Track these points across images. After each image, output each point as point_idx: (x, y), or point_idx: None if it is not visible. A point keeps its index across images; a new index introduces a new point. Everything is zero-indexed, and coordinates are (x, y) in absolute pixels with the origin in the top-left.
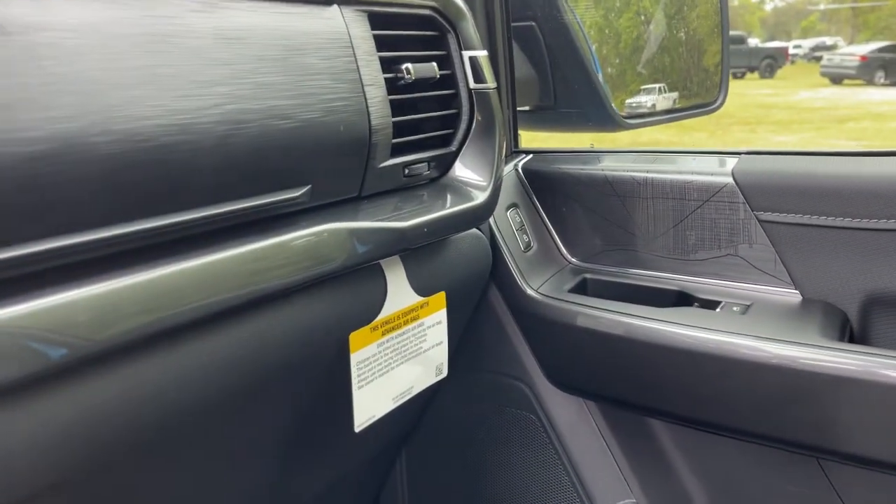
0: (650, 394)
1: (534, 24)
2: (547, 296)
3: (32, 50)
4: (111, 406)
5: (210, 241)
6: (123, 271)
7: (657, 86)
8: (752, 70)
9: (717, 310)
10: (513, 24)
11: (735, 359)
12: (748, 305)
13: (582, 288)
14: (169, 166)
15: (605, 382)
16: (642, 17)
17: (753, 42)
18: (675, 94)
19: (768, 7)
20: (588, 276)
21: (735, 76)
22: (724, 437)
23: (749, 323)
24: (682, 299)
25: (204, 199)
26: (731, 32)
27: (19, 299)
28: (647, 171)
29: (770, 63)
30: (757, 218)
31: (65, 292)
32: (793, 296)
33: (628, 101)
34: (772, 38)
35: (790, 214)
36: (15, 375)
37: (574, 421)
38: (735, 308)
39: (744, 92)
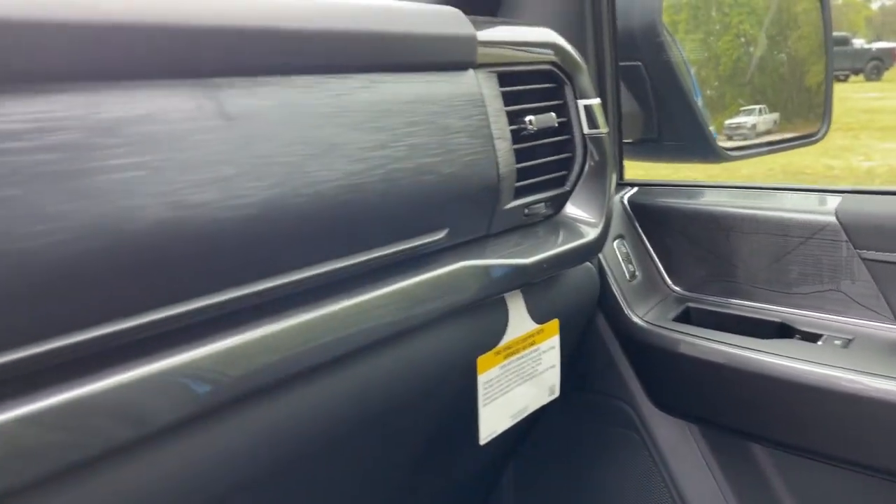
0: (752, 420)
1: (640, 63)
2: (652, 323)
3: (248, 131)
4: (276, 428)
5: (366, 280)
6: (306, 306)
7: (757, 107)
8: (856, 72)
9: (819, 343)
10: (620, 64)
11: (836, 391)
12: (850, 339)
13: (686, 317)
14: (345, 219)
15: (708, 407)
16: (742, 39)
17: (858, 43)
18: (775, 115)
19: (875, 5)
20: (691, 305)
21: (838, 78)
22: (826, 464)
23: (851, 356)
24: (783, 331)
25: (367, 244)
26: (835, 33)
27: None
28: (750, 208)
29: (877, 65)
30: (860, 256)
31: (250, 331)
32: (895, 332)
33: (728, 122)
34: (878, 39)
35: (894, 253)
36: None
37: (676, 442)
38: (837, 342)
39: (847, 96)
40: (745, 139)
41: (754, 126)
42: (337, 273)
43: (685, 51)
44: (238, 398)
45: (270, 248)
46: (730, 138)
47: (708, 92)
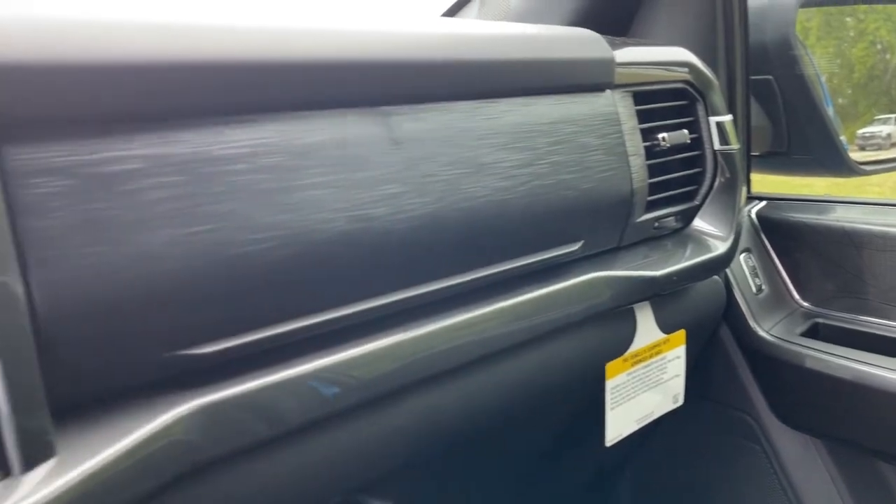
0: (881, 437)
1: (771, 77)
2: (778, 337)
3: (413, 153)
4: (417, 424)
5: (507, 287)
6: (453, 311)
7: (893, 116)
8: None
9: None
10: (751, 78)
11: None
12: None
13: (814, 332)
14: (493, 232)
15: (835, 423)
16: (878, 46)
17: None
18: None
19: None
20: (819, 320)
21: None
22: None
23: None
24: None
25: (510, 254)
26: None
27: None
28: (883, 225)
29: None
30: None
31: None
32: None
33: (860, 131)
34: None
35: None
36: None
37: (800, 456)
38: None
39: None
40: (878, 149)
41: (889, 136)
42: (483, 280)
43: (816, 58)
44: (391, 393)
45: (430, 257)
46: (862, 149)
47: (840, 101)
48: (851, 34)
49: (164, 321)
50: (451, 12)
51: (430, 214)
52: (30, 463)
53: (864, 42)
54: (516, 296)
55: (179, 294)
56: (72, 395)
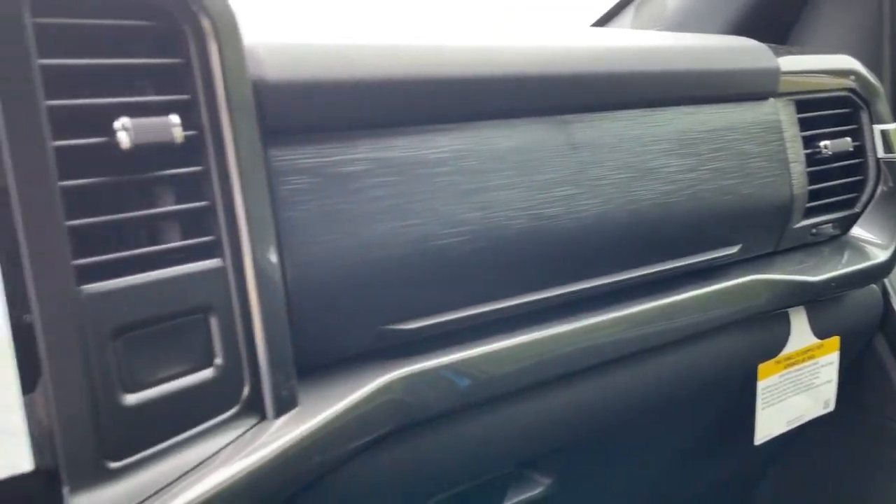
0: None
1: None
2: None
3: (587, 157)
4: (600, 401)
5: (666, 286)
6: (611, 307)
7: None
8: None
9: None
10: None
11: None
12: None
13: None
14: (656, 233)
15: None
16: None
17: None
18: None
19: None
20: None
21: None
22: None
23: None
24: None
25: (671, 254)
26: None
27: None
28: None
29: None
30: None
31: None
32: None
33: None
34: None
35: None
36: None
37: None
38: None
39: None
40: None
41: None
42: (645, 278)
43: None
44: (564, 376)
45: (598, 254)
46: None
47: None
48: None
49: (381, 299)
50: (602, 22)
51: (600, 214)
52: (280, 411)
53: None
54: (676, 294)
55: (393, 277)
56: (308, 358)
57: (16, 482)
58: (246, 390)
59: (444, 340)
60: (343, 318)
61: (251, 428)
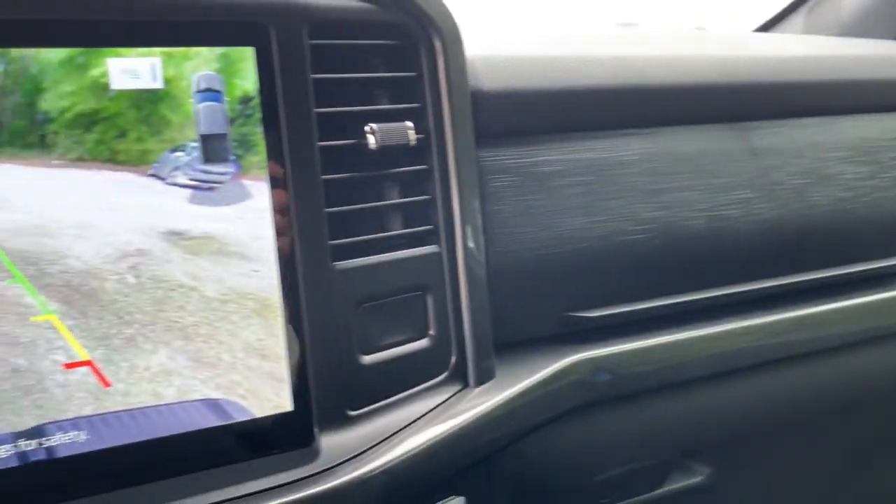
0: None
1: None
2: None
3: (766, 163)
4: (771, 396)
5: (838, 290)
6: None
7: None
8: None
9: None
10: None
11: None
12: None
13: None
14: (832, 237)
15: None
16: None
17: None
18: None
19: None
20: None
21: None
22: None
23: None
24: None
25: (847, 259)
26: None
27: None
28: None
29: None
30: None
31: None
32: None
33: None
34: None
35: None
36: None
37: None
38: None
39: None
40: None
41: None
42: (819, 281)
43: None
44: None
45: (775, 256)
46: None
47: None
48: None
49: (569, 288)
50: (769, 26)
51: (776, 218)
52: (480, 380)
53: None
54: (849, 299)
55: (580, 268)
56: (503, 336)
57: (279, 418)
58: (453, 360)
59: (623, 330)
60: (534, 302)
61: (456, 393)
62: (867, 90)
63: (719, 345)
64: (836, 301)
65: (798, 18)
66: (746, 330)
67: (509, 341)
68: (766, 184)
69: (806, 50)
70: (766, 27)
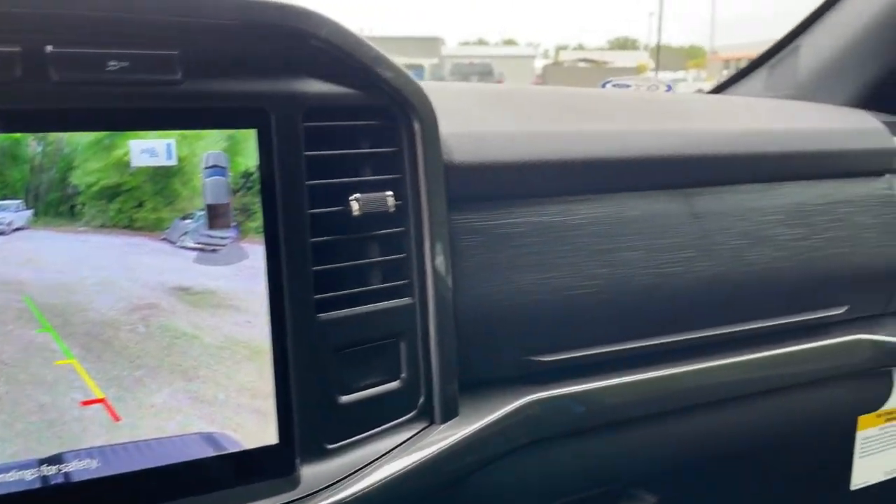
0: None
1: None
2: None
3: (707, 225)
4: (704, 436)
5: (771, 339)
6: (721, 354)
7: None
8: None
9: None
10: None
11: None
12: None
13: None
14: (767, 292)
15: None
16: None
17: None
18: None
19: None
20: None
21: None
22: None
23: None
24: None
25: (780, 311)
26: None
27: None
28: None
29: None
30: None
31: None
32: None
33: None
34: None
35: None
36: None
37: None
38: None
39: None
40: None
41: None
42: (753, 331)
43: None
44: (667, 412)
45: (713, 308)
46: None
47: None
48: None
49: (527, 335)
50: (734, 81)
51: (717, 276)
52: (445, 417)
53: None
54: (779, 347)
55: (536, 318)
56: (468, 377)
57: (265, 450)
58: (422, 399)
59: (575, 372)
60: (496, 347)
61: (423, 429)
62: (802, 160)
63: (661, 387)
64: (770, 349)
65: (760, 77)
66: (686, 374)
67: (474, 382)
68: (707, 244)
69: (746, 124)
70: (728, 84)
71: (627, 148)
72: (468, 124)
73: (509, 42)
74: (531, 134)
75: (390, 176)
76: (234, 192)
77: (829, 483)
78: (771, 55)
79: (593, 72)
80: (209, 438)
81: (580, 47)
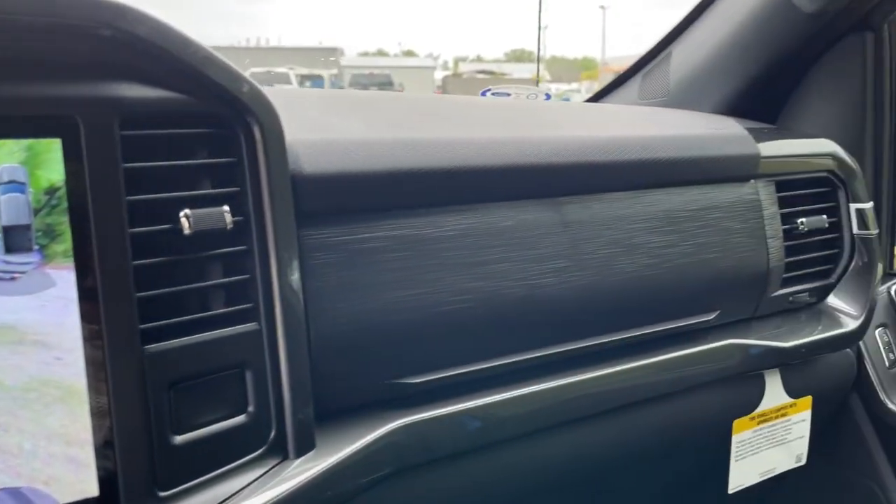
0: None
1: None
2: None
3: (578, 234)
4: (546, 460)
5: (647, 348)
6: (597, 365)
7: None
8: None
9: None
10: None
11: None
12: None
13: None
14: (640, 301)
15: None
16: None
17: None
18: None
19: None
20: None
21: None
22: None
23: None
24: None
25: (654, 319)
26: None
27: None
28: None
29: None
30: None
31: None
32: None
33: None
34: None
35: None
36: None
37: None
38: None
39: None
40: None
41: None
42: (629, 340)
43: None
44: (547, 428)
45: (587, 319)
46: None
47: None
48: None
49: (391, 357)
50: (610, 89)
51: (589, 286)
52: (299, 451)
53: None
54: (655, 356)
55: (402, 338)
56: (327, 406)
57: None
58: (272, 434)
59: (446, 393)
60: (358, 372)
61: (275, 465)
62: (670, 167)
63: (534, 403)
64: (645, 358)
65: (634, 85)
66: (562, 388)
67: (334, 410)
68: (579, 254)
69: (616, 132)
70: (605, 93)
71: (494, 156)
72: (319, 131)
73: (409, 53)
74: (390, 142)
75: (228, 189)
76: (36, 210)
77: (709, 488)
78: (644, 64)
79: (491, 83)
80: (15, 494)
81: (478, 59)
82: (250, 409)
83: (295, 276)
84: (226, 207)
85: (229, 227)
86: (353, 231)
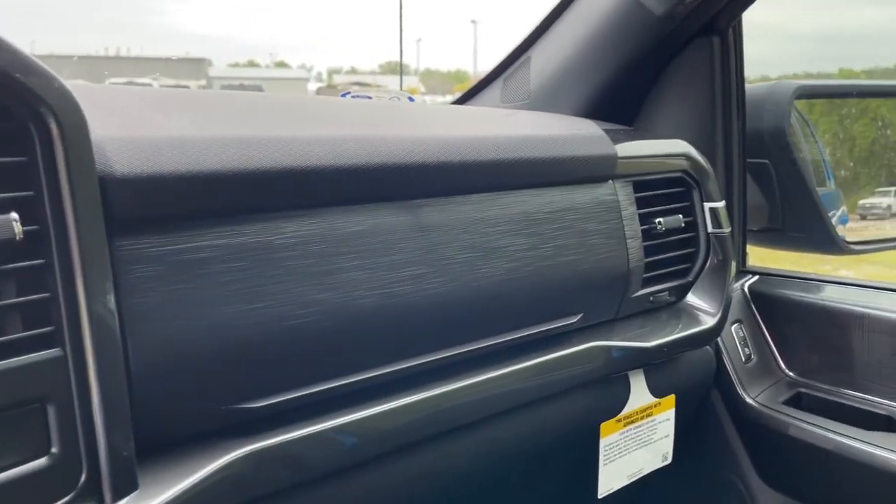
0: None
1: (767, 161)
2: (764, 405)
3: (436, 239)
4: (419, 479)
5: (511, 354)
6: (458, 376)
7: (893, 188)
8: None
9: None
10: (749, 161)
11: None
12: None
13: (796, 401)
14: (501, 306)
15: (814, 488)
16: (879, 123)
17: None
18: None
19: None
20: (803, 390)
21: None
22: None
23: None
24: (890, 425)
25: (516, 325)
26: None
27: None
28: (867, 307)
29: None
30: None
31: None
32: None
33: (862, 202)
34: None
35: None
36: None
37: None
38: None
39: None
40: (880, 219)
41: (889, 207)
42: (491, 348)
43: (818, 132)
44: (406, 446)
45: (447, 328)
46: (863, 217)
47: (843, 173)
48: (854, 111)
49: (226, 380)
50: (473, 94)
51: (448, 292)
52: (118, 495)
53: (865, 119)
54: (520, 362)
55: (240, 358)
56: (154, 440)
57: None
58: (83, 476)
59: (296, 416)
60: (189, 399)
61: None
62: (527, 168)
63: (393, 421)
64: (512, 365)
65: (496, 88)
66: (424, 402)
67: (165, 442)
68: (437, 259)
69: (473, 131)
70: (468, 97)
71: (340, 155)
72: (135, 128)
73: (280, 64)
74: (215, 139)
75: (17, 194)
76: None
77: (580, 493)
78: (505, 67)
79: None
80: None
81: (353, 70)
82: (54, 449)
83: (107, 294)
84: (14, 214)
85: (19, 237)
86: (179, 240)
